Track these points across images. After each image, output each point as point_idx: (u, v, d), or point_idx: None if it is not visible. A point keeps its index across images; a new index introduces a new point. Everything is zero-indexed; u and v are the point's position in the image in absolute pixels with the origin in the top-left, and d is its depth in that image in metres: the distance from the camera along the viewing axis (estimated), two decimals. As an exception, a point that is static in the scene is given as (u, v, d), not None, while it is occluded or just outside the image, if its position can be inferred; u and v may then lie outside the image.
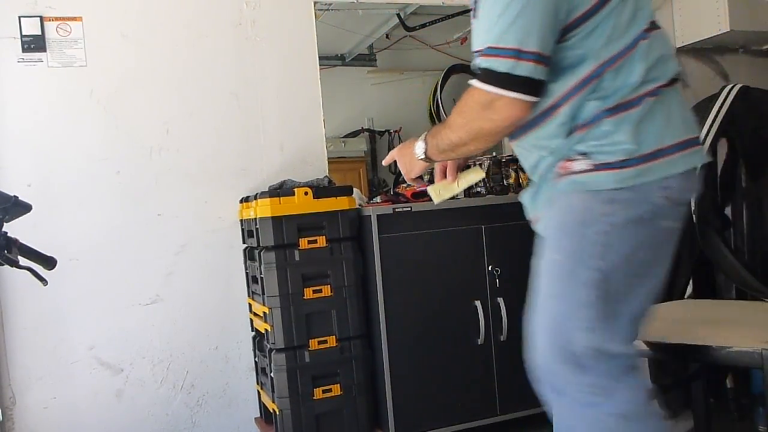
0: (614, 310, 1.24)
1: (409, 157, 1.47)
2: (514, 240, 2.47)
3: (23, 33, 2.53)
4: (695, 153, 1.29)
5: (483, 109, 1.23)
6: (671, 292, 2.52)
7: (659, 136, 1.23)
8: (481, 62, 1.23)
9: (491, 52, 1.21)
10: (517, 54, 1.18)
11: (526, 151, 1.39)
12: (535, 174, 1.39)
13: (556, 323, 1.26)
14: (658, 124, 1.24)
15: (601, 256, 1.23)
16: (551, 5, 1.19)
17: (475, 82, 1.24)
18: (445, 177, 1.59)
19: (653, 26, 1.30)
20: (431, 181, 1.67)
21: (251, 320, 2.74)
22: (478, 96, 1.24)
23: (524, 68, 1.18)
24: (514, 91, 1.20)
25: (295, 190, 2.40)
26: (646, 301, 1.29)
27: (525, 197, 1.43)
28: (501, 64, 1.19)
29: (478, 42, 1.29)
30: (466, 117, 1.28)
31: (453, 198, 2.59)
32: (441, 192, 1.61)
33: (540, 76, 1.20)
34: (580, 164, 1.25)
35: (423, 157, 1.43)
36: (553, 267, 1.28)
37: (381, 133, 3.97)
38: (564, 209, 1.28)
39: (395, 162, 1.57)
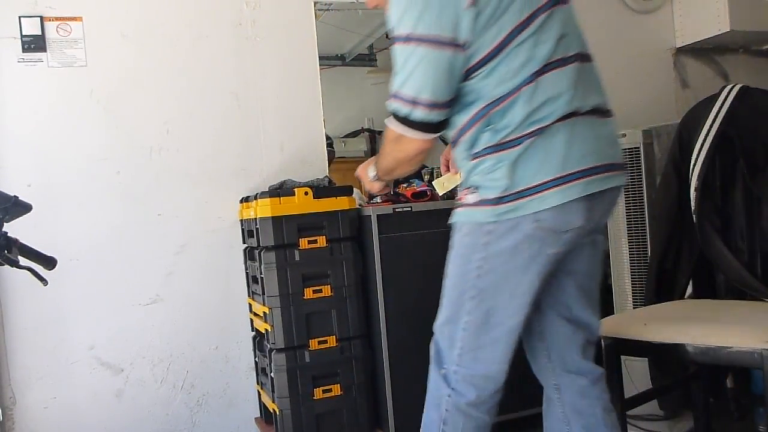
0: (489, 321, 1.45)
1: (368, 178, 1.67)
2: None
3: (23, 33, 2.53)
4: (573, 187, 1.36)
5: (395, 143, 1.45)
6: (672, 291, 2.52)
7: (532, 175, 1.36)
8: (389, 104, 1.41)
9: (395, 97, 1.39)
10: (414, 102, 1.37)
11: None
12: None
13: (450, 317, 1.51)
14: (533, 163, 1.36)
15: (479, 277, 1.44)
16: (444, 60, 1.33)
17: (386, 121, 1.44)
18: (449, 170, 1.71)
19: (554, 65, 1.36)
20: (431, 182, 1.71)
21: (251, 320, 2.74)
22: (390, 132, 1.45)
23: (419, 114, 1.37)
24: (414, 129, 1.40)
25: (295, 190, 2.40)
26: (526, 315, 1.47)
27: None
28: (401, 109, 1.39)
29: None
30: (387, 148, 1.50)
31: (453, 198, 2.62)
32: (445, 184, 1.72)
33: (435, 119, 1.39)
34: (469, 197, 1.43)
35: (377, 178, 1.63)
36: (452, 275, 1.51)
37: (381, 133, 3.96)
38: (459, 233, 1.48)
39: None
